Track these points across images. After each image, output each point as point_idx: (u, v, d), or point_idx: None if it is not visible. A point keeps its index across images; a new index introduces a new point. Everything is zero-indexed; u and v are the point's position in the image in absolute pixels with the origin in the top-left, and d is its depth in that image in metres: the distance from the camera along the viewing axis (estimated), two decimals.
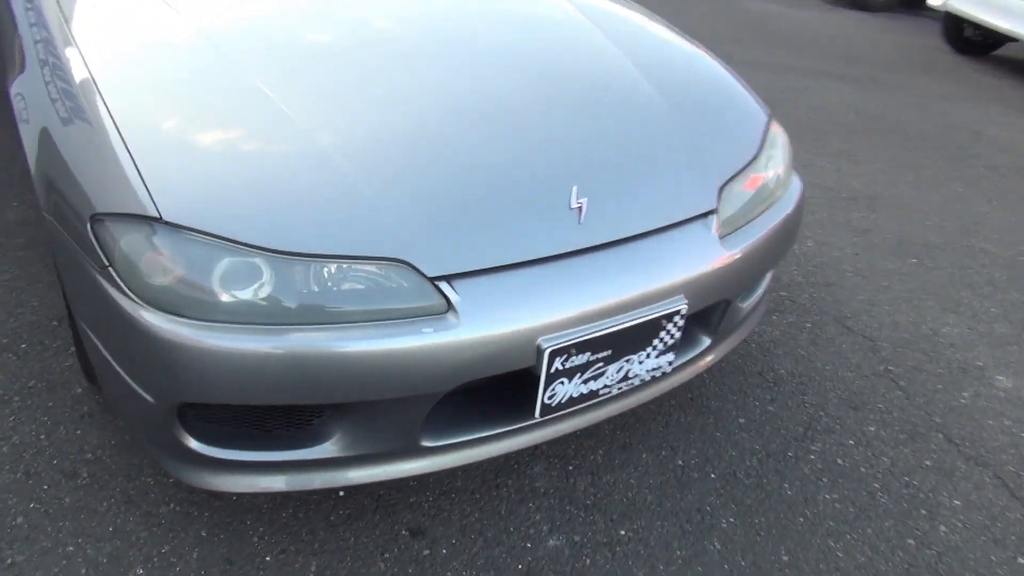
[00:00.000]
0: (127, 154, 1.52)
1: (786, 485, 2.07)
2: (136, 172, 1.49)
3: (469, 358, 1.52)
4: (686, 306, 1.73)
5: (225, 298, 1.42)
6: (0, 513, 1.76)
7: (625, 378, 1.77)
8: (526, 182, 1.70)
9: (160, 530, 1.77)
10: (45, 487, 1.84)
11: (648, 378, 1.82)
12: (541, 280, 1.60)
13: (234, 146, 1.57)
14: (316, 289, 1.47)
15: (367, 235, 1.51)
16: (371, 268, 1.49)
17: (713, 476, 2.07)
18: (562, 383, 1.66)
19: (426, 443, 1.66)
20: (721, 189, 1.90)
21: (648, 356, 1.77)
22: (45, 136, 1.69)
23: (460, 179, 1.65)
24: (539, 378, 1.61)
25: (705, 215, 1.85)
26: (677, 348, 1.82)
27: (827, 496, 2.04)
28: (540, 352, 1.57)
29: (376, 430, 1.60)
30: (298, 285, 1.46)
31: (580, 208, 1.69)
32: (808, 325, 2.73)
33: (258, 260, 1.45)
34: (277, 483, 1.61)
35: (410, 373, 1.49)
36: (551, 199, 1.69)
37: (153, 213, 1.45)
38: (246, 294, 1.43)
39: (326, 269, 1.48)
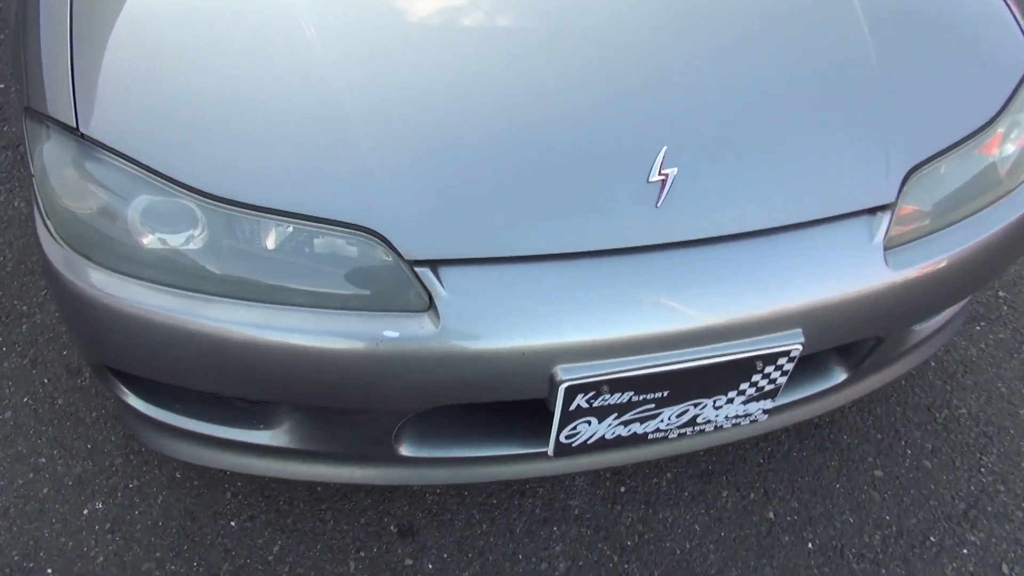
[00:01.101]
0: (68, 44, 1.17)
1: None
2: (69, 68, 1.15)
3: (447, 379, 1.10)
4: (800, 346, 1.17)
5: (144, 241, 1.08)
6: None
7: (692, 423, 1.27)
8: (589, 135, 1.16)
9: (136, 460, 1.59)
10: (45, 380, 1.71)
11: (728, 425, 1.30)
12: (574, 282, 1.10)
13: (220, 67, 1.16)
14: (258, 253, 1.09)
15: (338, 195, 1.08)
16: (330, 237, 1.08)
17: (811, 547, 1.54)
18: (588, 423, 1.20)
19: (405, 452, 1.30)
20: (909, 174, 1.24)
21: (730, 402, 1.24)
22: (17, 16, 1.39)
23: (490, 129, 1.15)
24: (552, 415, 1.16)
25: (871, 212, 1.22)
26: (777, 394, 1.27)
27: None
28: (554, 385, 1.11)
29: (334, 431, 1.25)
30: (236, 244, 1.09)
31: (663, 182, 1.14)
32: None
33: (191, 204, 1.08)
34: (222, 460, 1.33)
35: (364, 386, 1.10)
36: (621, 164, 1.15)
37: (70, 122, 1.11)
38: (171, 241, 1.08)
39: (275, 230, 1.08)
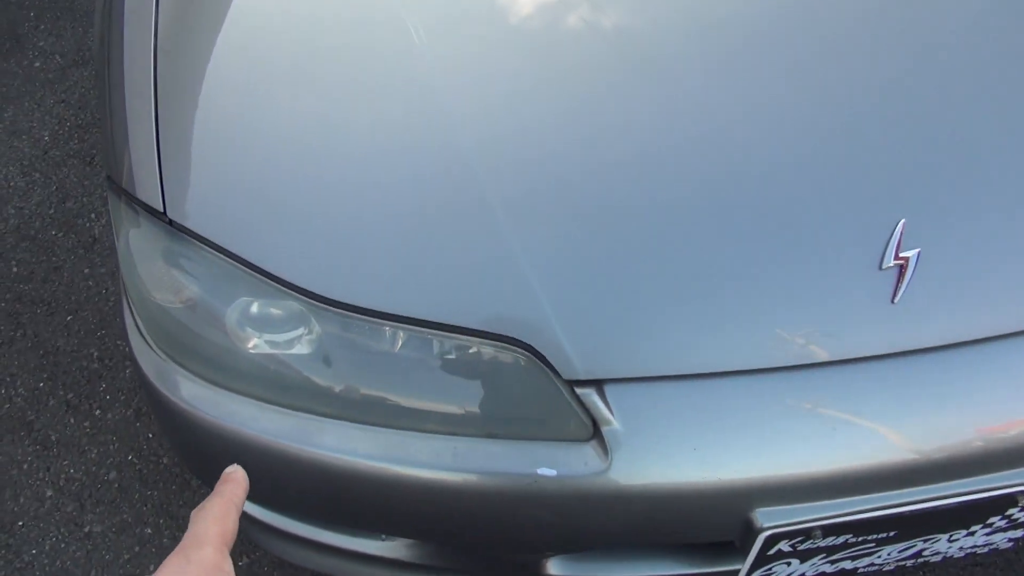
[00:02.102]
0: (152, 114, 0.98)
1: None
2: (155, 142, 0.95)
3: (615, 523, 0.88)
4: None
5: (246, 346, 0.90)
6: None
7: (916, 556, 1.00)
8: (795, 206, 0.89)
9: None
10: (150, 436, 1.59)
11: (961, 555, 1.03)
12: (777, 404, 0.85)
13: (334, 146, 0.95)
14: (381, 363, 0.88)
15: (478, 300, 0.86)
16: (469, 350, 0.86)
17: None
18: (787, 564, 0.95)
19: (553, 572, 1.09)
20: None
21: (971, 535, 0.97)
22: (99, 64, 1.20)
23: (667, 205, 0.89)
24: (744, 558, 0.92)
25: None
26: None
27: None
28: (752, 532, 0.86)
29: (472, 554, 1.05)
30: (354, 351, 0.88)
31: (902, 268, 0.86)
32: None
33: (300, 306, 0.88)
34: (343, 570, 1.16)
35: (512, 530, 0.89)
36: (841, 245, 0.87)
37: (156, 205, 0.92)
38: (276, 344, 0.89)
39: (399, 337, 0.87)
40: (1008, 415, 0.87)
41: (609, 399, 0.84)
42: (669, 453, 0.84)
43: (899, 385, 0.85)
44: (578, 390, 0.84)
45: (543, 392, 0.85)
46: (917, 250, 0.86)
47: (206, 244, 0.89)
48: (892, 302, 0.85)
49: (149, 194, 0.93)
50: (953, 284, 0.86)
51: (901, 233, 0.86)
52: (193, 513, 0.50)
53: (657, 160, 0.92)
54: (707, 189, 0.91)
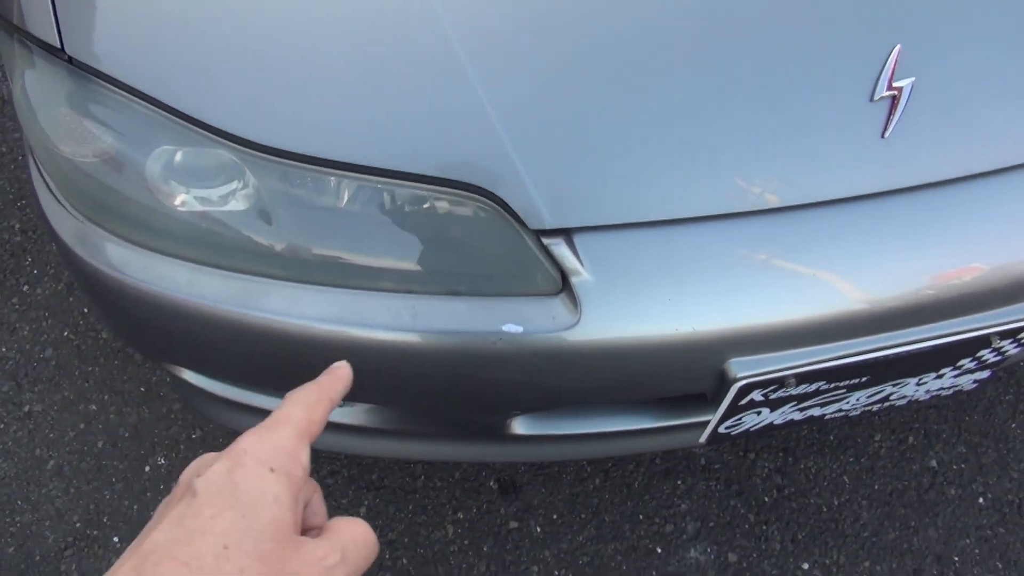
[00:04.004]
0: None
1: None
2: None
3: (586, 380, 0.84)
4: None
5: (172, 203, 0.80)
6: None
7: (883, 400, 1.00)
8: (778, 30, 0.80)
9: None
10: (85, 310, 1.49)
11: (927, 398, 1.03)
12: (756, 248, 0.80)
13: None
14: (328, 218, 0.80)
15: (436, 144, 0.76)
16: (426, 199, 0.78)
17: (982, 502, 1.31)
18: (758, 413, 0.94)
19: (518, 431, 1.06)
20: None
21: (939, 378, 0.96)
22: None
23: (639, 35, 0.80)
24: (715, 409, 0.90)
25: None
26: (1001, 365, 0.98)
27: None
28: (726, 382, 0.83)
29: (434, 416, 1.01)
30: (297, 205, 0.80)
31: (894, 99, 0.79)
32: None
33: (231, 155, 0.78)
34: None
35: (477, 392, 0.85)
36: (829, 74, 0.80)
37: (52, 40, 0.79)
38: (206, 200, 0.80)
39: (347, 187, 0.78)
40: (985, 257, 0.83)
41: (579, 249, 0.78)
42: (643, 305, 0.79)
43: (883, 226, 0.81)
44: (545, 240, 0.77)
45: (508, 244, 0.78)
46: (912, 79, 0.79)
47: (115, 85, 0.77)
48: (882, 136, 0.79)
49: (43, 28, 0.79)
50: (946, 118, 0.80)
51: (896, 60, 0.78)
52: (287, 395, 0.47)
53: None
54: (679, 22, 0.81)
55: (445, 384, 0.84)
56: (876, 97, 0.79)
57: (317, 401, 0.47)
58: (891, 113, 0.79)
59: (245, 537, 0.38)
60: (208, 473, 0.40)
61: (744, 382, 0.82)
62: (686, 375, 0.84)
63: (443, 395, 0.86)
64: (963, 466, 1.34)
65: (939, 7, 0.82)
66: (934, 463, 1.35)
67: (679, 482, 1.33)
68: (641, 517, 1.30)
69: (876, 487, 1.32)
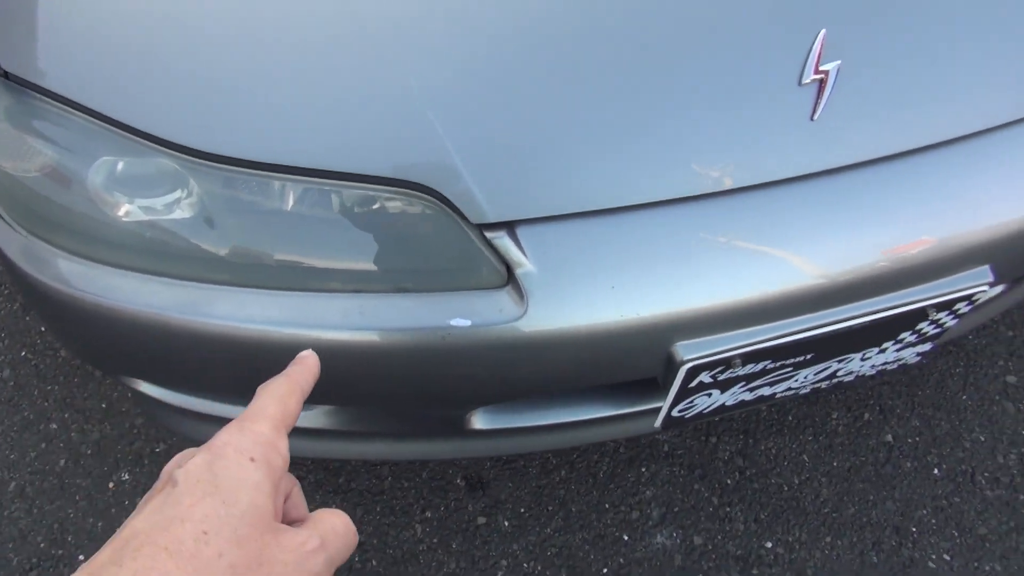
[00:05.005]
0: None
1: None
2: None
3: (535, 370, 0.85)
4: (987, 288, 0.90)
5: (116, 214, 0.80)
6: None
7: (830, 377, 1.02)
8: (709, 18, 0.82)
9: None
10: (42, 328, 1.48)
11: (873, 372, 1.06)
12: (696, 232, 0.82)
13: None
14: (273, 221, 0.80)
15: (375, 143, 0.78)
16: (370, 199, 0.79)
17: (937, 473, 1.35)
18: (708, 395, 0.96)
19: (477, 426, 1.07)
20: None
21: (882, 352, 0.99)
22: None
23: (574, 23, 0.82)
24: (667, 393, 0.92)
25: None
26: (941, 337, 1.01)
27: None
28: (673, 365, 0.85)
29: (390, 416, 1.02)
30: (240, 211, 0.80)
31: (821, 83, 0.82)
32: None
33: (172, 163, 0.78)
34: None
35: (427, 388, 0.86)
36: (757, 60, 0.82)
37: None
38: (151, 209, 0.80)
39: (291, 191, 0.79)
40: (918, 231, 0.86)
41: (522, 241, 0.79)
42: (587, 293, 0.81)
43: (814, 208, 0.83)
44: (488, 234, 0.79)
45: (452, 239, 0.79)
46: (838, 62, 0.81)
47: (52, 99, 0.78)
48: (811, 119, 0.81)
49: None
50: (872, 98, 0.83)
51: (822, 44, 0.81)
52: (259, 388, 0.48)
53: None
54: (611, 14, 0.83)
55: (399, 381, 0.85)
56: (804, 81, 0.81)
57: (289, 391, 0.49)
58: (819, 96, 0.81)
59: (224, 523, 0.39)
60: (189, 465, 0.41)
61: (691, 364, 0.84)
62: (635, 360, 0.86)
63: (399, 392, 0.87)
64: (917, 439, 1.38)
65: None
66: (890, 438, 1.38)
67: (643, 469, 1.35)
68: (607, 506, 1.31)
69: (835, 464, 1.35)
